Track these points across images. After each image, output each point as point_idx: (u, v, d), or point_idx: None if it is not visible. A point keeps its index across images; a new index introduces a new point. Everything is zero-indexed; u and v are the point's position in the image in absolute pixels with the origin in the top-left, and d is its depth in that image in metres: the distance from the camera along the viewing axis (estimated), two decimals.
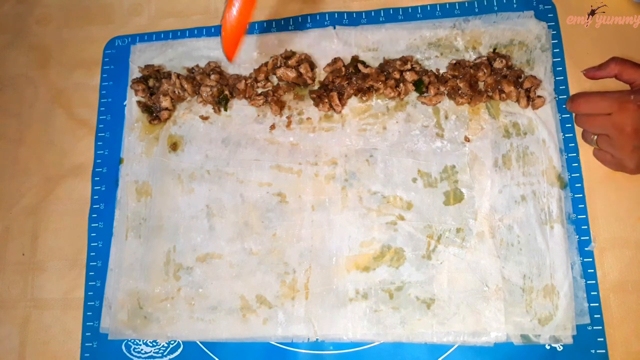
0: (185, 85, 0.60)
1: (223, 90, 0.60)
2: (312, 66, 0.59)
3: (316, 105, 0.58)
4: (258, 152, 0.59)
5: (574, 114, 0.54)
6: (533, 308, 0.51)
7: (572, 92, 0.56)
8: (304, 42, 0.61)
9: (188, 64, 0.62)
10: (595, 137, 0.51)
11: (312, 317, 0.53)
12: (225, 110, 0.60)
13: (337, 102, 0.58)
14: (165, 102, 0.60)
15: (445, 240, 0.53)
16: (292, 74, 0.58)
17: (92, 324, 0.57)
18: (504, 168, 0.54)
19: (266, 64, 0.60)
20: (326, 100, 0.58)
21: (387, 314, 0.52)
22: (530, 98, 0.55)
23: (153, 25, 0.66)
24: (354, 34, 0.60)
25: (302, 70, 0.58)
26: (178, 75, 0.60)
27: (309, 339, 0.53)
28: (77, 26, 0.68)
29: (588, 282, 0.51)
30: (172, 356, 0.56)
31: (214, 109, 0.60)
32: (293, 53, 0.60)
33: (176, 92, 0.60)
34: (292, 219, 0.56)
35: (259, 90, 0.60)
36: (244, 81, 0.59)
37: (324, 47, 0.60)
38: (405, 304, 0.52)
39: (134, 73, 0.63)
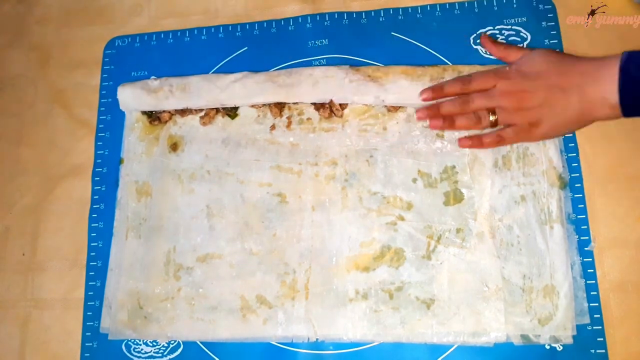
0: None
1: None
2: (343, 106, 0.58)
3: (317, 109, 0.58)
4: (258, 152, 0.59)
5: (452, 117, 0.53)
6: (533, 308, 0.51)
7: None
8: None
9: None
10: (493, 116, 0.51)
11: (312, 317, 0.53)
12: (233, 118, 0.60)
13: (338, 106, 0.58)
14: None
15: (445, 240, 0.53)
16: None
17: (92, 324, 0.57)
18: (504, 168, 0.54)
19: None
20: (327, 105, 0.58)
21: (387, 314, 0.52)
22: None
23: (153, 25, 0.66)
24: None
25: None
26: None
27: (309, 339, 0.53)
28: (77, 26, 0.68)
29: (588, 282, 0.51)
30: (172, 356, 0.56)
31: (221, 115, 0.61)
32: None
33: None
34: (292, 219, 0.56)
35: None
36: None
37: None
38: (405, 304, 0.52)
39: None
